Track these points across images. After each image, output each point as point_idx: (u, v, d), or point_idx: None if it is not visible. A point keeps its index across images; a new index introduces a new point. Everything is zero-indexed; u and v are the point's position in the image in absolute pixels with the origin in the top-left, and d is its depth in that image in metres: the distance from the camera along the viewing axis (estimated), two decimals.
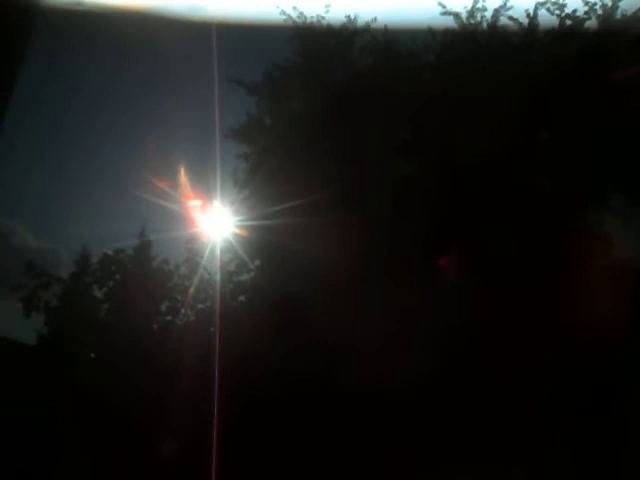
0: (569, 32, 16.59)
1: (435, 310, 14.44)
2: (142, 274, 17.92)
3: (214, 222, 18.16)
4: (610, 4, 16.37)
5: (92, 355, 17.61)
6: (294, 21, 17.92)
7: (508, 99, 16.08)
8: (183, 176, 18.01)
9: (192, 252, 17.98)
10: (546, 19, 16.86)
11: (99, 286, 17.96)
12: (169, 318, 17.89)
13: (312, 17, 17.96)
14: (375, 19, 17.60)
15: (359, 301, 15.71)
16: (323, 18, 17.93)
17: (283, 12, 17.65)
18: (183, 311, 17.88)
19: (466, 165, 16.17)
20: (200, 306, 17.90)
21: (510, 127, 16.02)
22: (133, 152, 19.50)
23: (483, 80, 16.45)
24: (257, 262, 17.88)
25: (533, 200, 15.27)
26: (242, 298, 17.90)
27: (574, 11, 16.58)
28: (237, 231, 17.69)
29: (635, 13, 16.14)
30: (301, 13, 17.90)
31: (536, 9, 16.88)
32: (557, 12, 16.69)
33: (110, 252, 18.10)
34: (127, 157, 19.33)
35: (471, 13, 17.16)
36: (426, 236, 16.12)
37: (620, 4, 16.30)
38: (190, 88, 19.39)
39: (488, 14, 17.19)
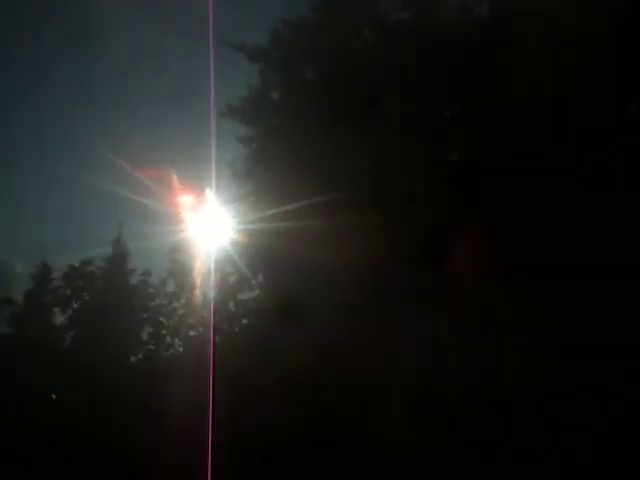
0: None
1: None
2: (117, 292, 14.20)
3: (208, 225, 14.21)
4: None
5: (53, 396, 13.91)
6: None
7: None
8: (170, 166, 14.17)
9: (180, 264, 14.21)
10: None
11: (62, 308, 14.25)
12: (151, 348, 14.16)
13: None
14: None
15: (391, 330, 12.18)
16: None
17: None
18: (169, 340, 14.15)
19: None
20: (191, 333, 14.16)
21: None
22: (106, 136, 15.80)
23: None
24: (262, 277, 14.03)
25: None
26: (244, 322, 14.13)
27: None
28: (237, 237, 13.79)
29: None
30: None
31: None
32: None
33: (76, 263, 14.38)
34: (98, 142, 15.53)
35: None
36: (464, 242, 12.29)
37: None
38: (179, 56, 15.69)
39: None
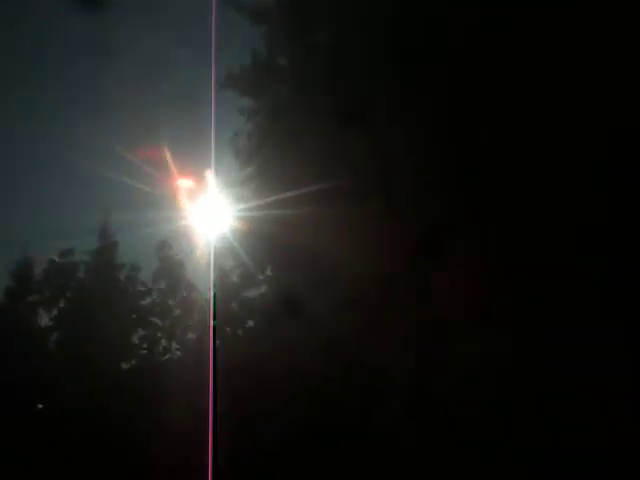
0: None
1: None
2: (104, 289, 12.54)
3: (207, 212, 12.44)
4: None
5: (40, 406, 12.44)
6: None
7: None
8: (164, 145, 12.42)
9: (173, 257, 12.51)
10: None
11: (46, 307, 12.66)
12: (144, 353, 12.56)
13: None
14: None
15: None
16: None
17: None
18: (164, 343, 12.54)
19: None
20: (189, 336, 12.54)
21: None
22: (93, 110, 14.18)
23: None
24: (269, 271, 12.31)
25: None
26: (250, 324, 12.46)
27: None
28: (239, 225, 12.02)
29: None
30: None
31: None
32: None
33: (57, 258, 12.72)
34: (84, 117, 13.90)
35: None
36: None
37: None
38: (173, 18, 13.99)
39: None
